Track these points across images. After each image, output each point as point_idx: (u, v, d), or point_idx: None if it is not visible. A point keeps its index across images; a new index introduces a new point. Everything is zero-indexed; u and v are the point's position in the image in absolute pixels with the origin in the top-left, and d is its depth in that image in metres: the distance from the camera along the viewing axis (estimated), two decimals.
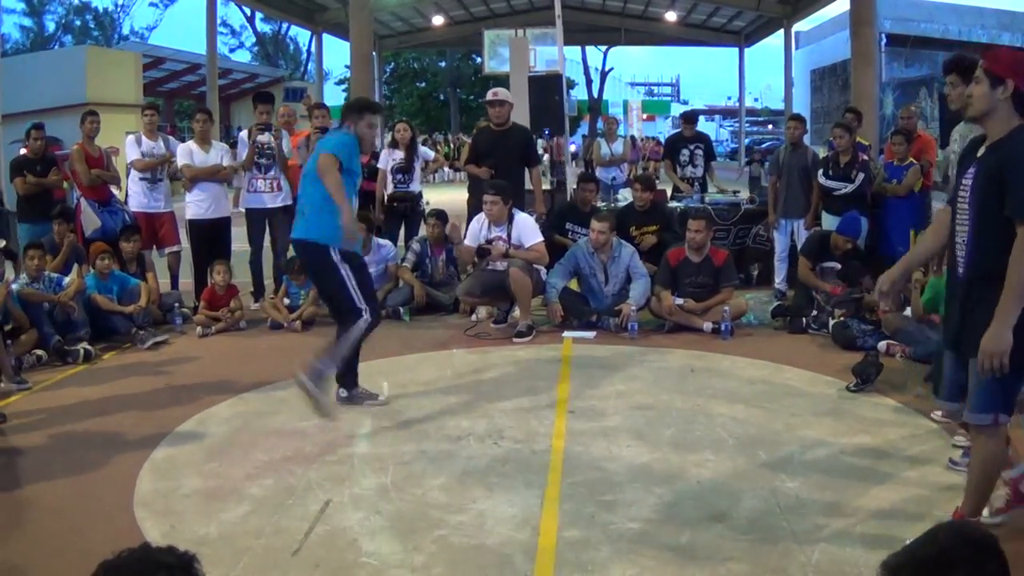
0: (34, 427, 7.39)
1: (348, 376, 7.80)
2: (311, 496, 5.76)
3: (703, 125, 63.56)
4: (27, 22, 71.39)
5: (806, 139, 12.73)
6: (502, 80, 22.19)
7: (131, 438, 7.04)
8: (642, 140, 41.73)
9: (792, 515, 5.27)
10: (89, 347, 9.62)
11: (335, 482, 6.00)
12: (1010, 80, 4.61)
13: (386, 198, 12.88)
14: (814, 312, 10.18)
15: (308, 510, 5.52)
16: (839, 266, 10.54)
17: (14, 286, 9.58)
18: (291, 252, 9.25)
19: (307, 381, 7.05)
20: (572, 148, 28.35)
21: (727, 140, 67.61)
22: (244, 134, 12.19)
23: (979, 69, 4.75)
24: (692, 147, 14.34)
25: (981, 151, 4.75)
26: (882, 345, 9.03)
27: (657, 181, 13.59)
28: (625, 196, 14.96)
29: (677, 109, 67.43)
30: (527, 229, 10.40)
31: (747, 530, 5.10)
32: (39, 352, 9.40)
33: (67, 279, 10.27)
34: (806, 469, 6.06)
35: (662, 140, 35.49)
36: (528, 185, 11.93)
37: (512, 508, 5.48)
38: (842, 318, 9.70)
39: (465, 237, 10.95)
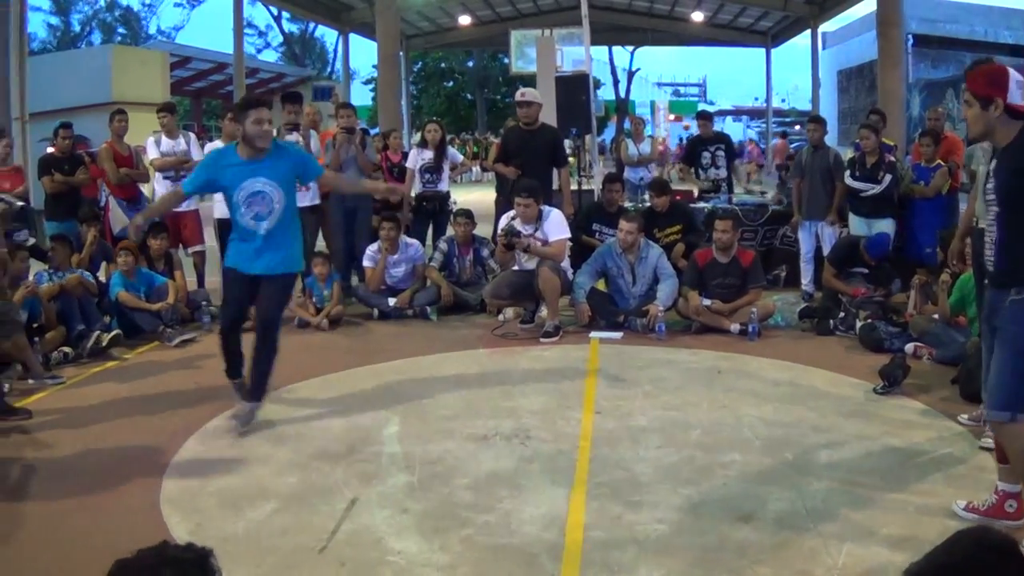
0: (61, 424, 7.43)
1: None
2: (337, 494, 5.76)
3: (730, 126, 63.43)
4: (54, 20, 71.77)
5: (834, 140, 12.68)
6: (529, 80, 22.22)
7: (158, 435, 7.07)
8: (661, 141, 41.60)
9: (818, 517, 5.25)
10: (102, 335, 9.70)
11: (361, 480, 6.00)
12: (997, 97, 4.65)
13: (414, 198, 12.87)
14: (841, 314, 10.12)
15: (334, 508, 5.53)
16: (867, 271, 10.50)
17: (43, 286, 9.61)
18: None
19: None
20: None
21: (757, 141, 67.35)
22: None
23: (966, 92, 4.80)
24: (713, 148, 14.30)
25: (994, 163, 4.84)
26: (909, 347, 8.98)
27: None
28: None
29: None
30: (554, 225, 10.42)
31: (773, 531, 5.08)
32: (66, 349, 9.43)
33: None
34: (832, 470, 6.03)
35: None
36: (556, 184, 11.92)
37: (538, 508, 5.47)
38: (869, 320, 9.66)
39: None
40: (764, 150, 44.01)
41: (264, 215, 7.28)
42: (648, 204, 12.67)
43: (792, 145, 36.08)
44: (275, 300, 7.49)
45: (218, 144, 11.67)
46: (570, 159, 13.88)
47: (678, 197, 13.00)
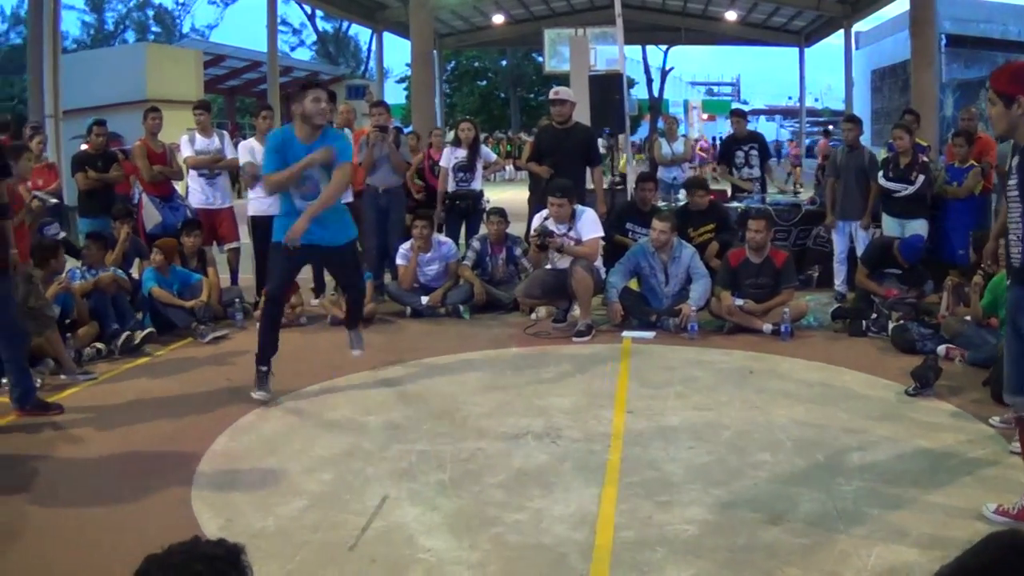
0: (93, 419, 7.47)
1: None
2: (368, 491, 5.77)
3: (763, 125, 63.23)
4: (88, 18, 72.22)
5: (867, 140, 12.62)
6: (563, 79, 22.19)
7: (190, 431, 7.11)
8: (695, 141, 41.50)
9: (848, 518, 5.22)
10: (135, 333, 9.82)
11: (393, 478, 6.01)
12: (1020, 95, 4.63)
13: (447, 196, 12.88)
14: (874, 315, 10.07)
15: (365, 505, 5.53)
16: (900, 272, 10.46)
17: (76, 283, 9.67)
18: None
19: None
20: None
21: (784, 141, 67.05)
22: None
23: (990, 91, 4.78)
24: (747, 148, 14.27)
25: (1016, 159, 4.83)
26: (941, 349, 8.92)
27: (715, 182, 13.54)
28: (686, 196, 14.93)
29: None
30: (587, 224, 10.37)
31: (803, 533, 5.05)
32: (99, 345, 9.49)
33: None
34: (863, 472, 6.00)
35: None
36: (589, 184, 11.90)
37: (569, 507, 5.46)
38: (901, 321, 9.61)
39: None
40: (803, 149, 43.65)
41: (310, 196, 7.85)
42: (683, 203, 12.65)
43: (830, 144, 35.93)
44: (350, 267, 8.56)
45: (252, 142, 11.70)
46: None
47: (712, 197, 12.97)
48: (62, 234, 11.50)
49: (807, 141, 45.08)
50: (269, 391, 7.91)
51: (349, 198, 11.36)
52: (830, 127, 47.64)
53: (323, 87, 8.15)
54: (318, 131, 7.95)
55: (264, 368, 7.98)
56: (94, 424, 7.35)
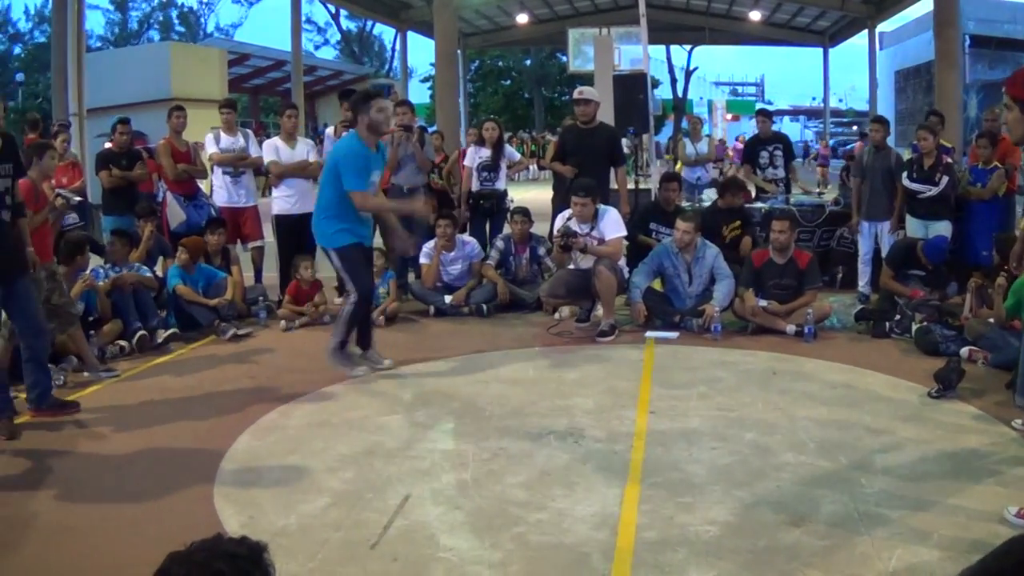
0: (116, 417, 7.49)
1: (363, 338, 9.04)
2: (391, 490, 5.77)
3: (788, 126, 63.04)
4: (112, 17, 72.61)
5: (892, 141, 12.56)
6: (587, 79, 22.15)
7: (213, 429, 7.13)
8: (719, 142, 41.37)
9: (870, 520, 5.20)
10: (158, 332, 9.92)
11: (415, 477, 6.01)
12: None
13: (471, 196, 12.87)
14: (897, 317, 10.03)
15: (387, 504, 5.53)
16: (923, 273, 10.41)
17: (100, 282, 9.70)
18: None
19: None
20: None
21: (812, 141, 66.84)
22: (330, 130, 12.28)
23: (1006, 96, 4.76)
24: (771, 148, 14.22)
25: None
26: (964, 351, 8.87)
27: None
28: (710, 196, 14.88)
29: None
30: (610, 223, 10.32)
31: (825, 535, 5.04)
32: (122, 343, 9.53)
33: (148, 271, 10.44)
34: (886, 474, 5.97)
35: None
36: (613, 184, 11.89)
37: (591, 507, 5.45)
38: (924, 323, 9.57)
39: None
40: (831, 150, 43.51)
41: None
42: (706, 203, 12.63)
43: (847, 147, 35.80)
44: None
45: (277, 141, 11.73)
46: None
47: (746, 197, 12.95)
48: (80, 220, 11.54)
49: (833, 142, 44.90)
50: (359, 364, 8.79)
51: None
52: (867, 130, 47.49)
53: (384, 96, 8.92)
54: (376, 142, 8.69)
55: (368, 351, 8.96)
56: (116, 421, 7.37)
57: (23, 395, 7.47)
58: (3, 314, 7.38)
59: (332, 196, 8.54)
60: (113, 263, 10.14)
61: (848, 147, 37.61)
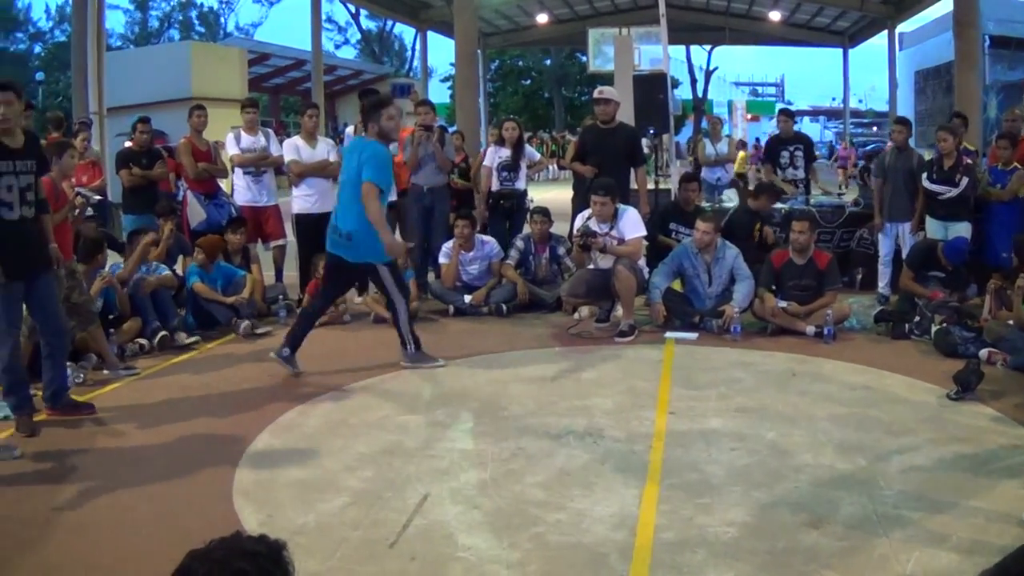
0: (135, 414, 7.52)
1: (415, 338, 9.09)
2: (409, 489, 5.78)
3: (807, 126, 62.87)
4: (131, 16, 72.87)
5: (912, 141, 12.51)
6: (607, 79, 22.15)
7: (232, 427, 7.15)
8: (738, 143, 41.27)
9: (888, 523, 5.18)
10: (179, 334, 9.91)
11: (434, 476, 6.02)
12: None
13: (491, 195, 12.88)
14: (917, 318, 10.00)
15: (406, 503, 5.54)
16: (943, 275, 10.38)
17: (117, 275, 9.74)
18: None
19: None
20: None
21: (833, 141, 66.66)
22: (351, 130, 12.33)
23: None
24: (792, 148, 14.15)
25: None
26: (983, 353, 8.82)
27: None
28: (730, 196, 14.85)
29: None
30: (629, 223, 10.32)
31: (843, 536, 5.03)
32: (141, 341, 9.55)
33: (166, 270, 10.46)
34: (904, 476, 5.96)
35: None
36: (633, 184, 11.87)
37: (609, 508, 5.45)
38: (944, 325, 9.54)
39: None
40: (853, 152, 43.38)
41: None
42: (726, 203, 12.61)
43: (867, 147, 35.67)
44: None
45: (297, 140, 11.76)
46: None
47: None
48: (96, 198, 11.58)
49: (856, 141, 44.78)
50: (435, 358, 9.05)
51: (393, 196, 11.43)
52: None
53: (393, 103, 8.83)
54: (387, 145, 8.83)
55: (419, 348, 9.05)
56: (135, 419, 7.39)
57: (41, 393, 7.49)
58: (25, 311, 7.40)
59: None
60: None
61: (868, 147, 37.50)
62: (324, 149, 11.79)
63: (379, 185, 8.32)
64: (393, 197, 11.52)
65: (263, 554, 2.48)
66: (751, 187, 13.68)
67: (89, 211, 11.21)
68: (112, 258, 10.34)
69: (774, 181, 13.97)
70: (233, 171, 12.14)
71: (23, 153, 6.91)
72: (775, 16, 42.73)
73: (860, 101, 78.42)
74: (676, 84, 55.07)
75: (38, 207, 7.14)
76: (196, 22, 76.22)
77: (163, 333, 9.70)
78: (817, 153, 18.54)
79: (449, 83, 57.41)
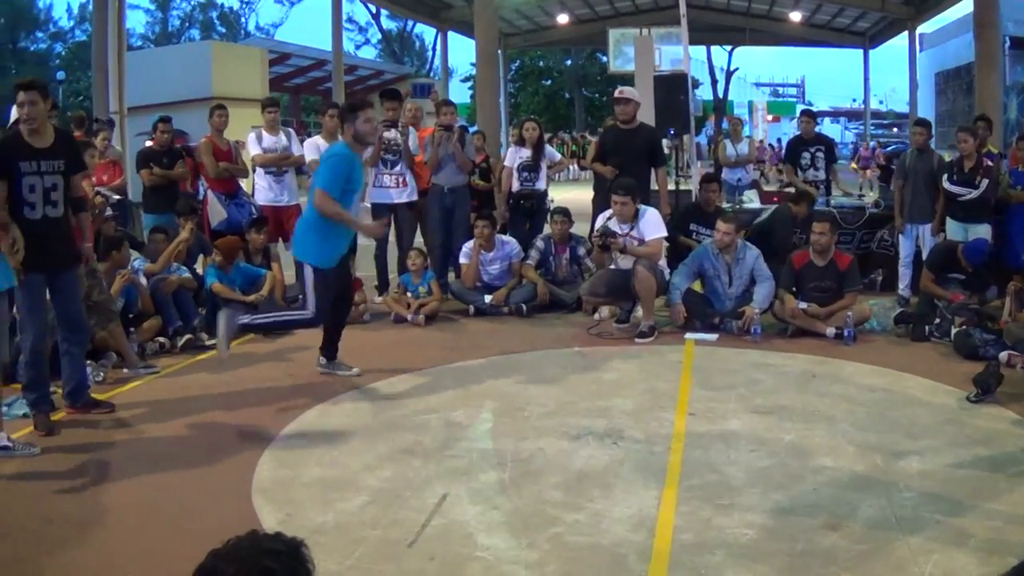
0: (155, 413, 7.57)
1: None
2: (428, 489, 5.80)
3: (828, 127, 62.69)
4: (153, 16, 73.10)
5: (931, 143, 12.46)
6: (627, 79, 22.13)
7: (252, 426, 7.19)
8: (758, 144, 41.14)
9: (907, 525, 5.17)
10: (201, 334, 9.95)
11: (453, 476, 6.03)
12: None
13: (512, 196, 12.86)
14: (937, 320, 9.96)
15: (425, 503, 5.56)
16: (963, 277, 10.34)
17: (142, 278, 9.77)
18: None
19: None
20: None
21: (856, 142, 66.43)
22: None
23: None
24: (813, 150, 14.07)
25: None
26: (1003, 355, 8.77)
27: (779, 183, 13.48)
28: (750, 198, 14.82)
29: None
30: (650, 224, 10.31)
31: (861, 539, 5.01)
32: (161, 340, 9.58)
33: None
34: (923, 479, 5.94)
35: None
36: (654, 185, 11.86)
37: (628, 509, 5.45)
38: (964, 327, 9.50)
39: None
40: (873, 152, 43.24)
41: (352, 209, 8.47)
42: (746, 204, 12.59)
43: (887, 148, 35.52)
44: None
45: (318, 140, 11.78)
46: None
47: (775, 200, 12.88)
48: (115, 197, 11.60)
49: (872, 143, 44.57)
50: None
51: (414, 196, 11.45)
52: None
53: (371, 106, 8.66)
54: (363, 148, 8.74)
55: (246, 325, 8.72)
56: (155, 418, 7.44)
57: (61, 391, 7.52)
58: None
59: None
60: (153, 260, 10.18)
61: (887, 149, 37.37)
62: None
63: (330, 191, 8.09)
64: (415, 197, 11.56)
65: (283, 552, 2.49)
66: (765, 187, 13.61)
67: (109, 210, 11.28)
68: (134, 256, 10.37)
69: (794, 183, 13.94)
70: (254, 171, 12.17)
71: (50, 153, 6.92)
72: (795, 17, 42.62)
73: (880, 102, 78.15)
74: (696, 84, 54.99)
75: (74, 205, 7.18)
76: (217, 22, 76.47)
77: (188, 336, 9.74)
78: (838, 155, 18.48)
79: (469, 83, 57.41)
